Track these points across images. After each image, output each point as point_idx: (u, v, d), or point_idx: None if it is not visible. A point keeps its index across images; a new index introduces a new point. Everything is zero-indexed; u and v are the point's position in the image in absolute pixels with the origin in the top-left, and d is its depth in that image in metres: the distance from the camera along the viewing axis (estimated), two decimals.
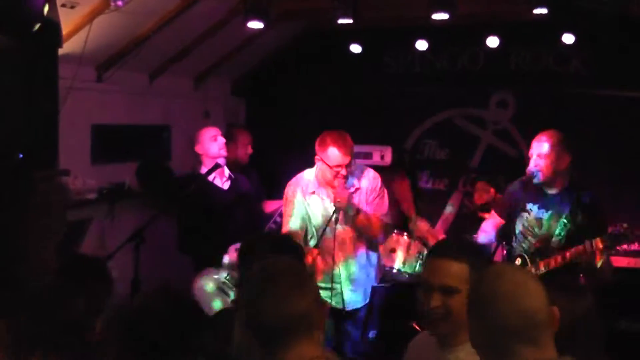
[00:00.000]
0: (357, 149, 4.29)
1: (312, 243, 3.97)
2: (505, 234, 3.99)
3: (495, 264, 2.66)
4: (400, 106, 6.57)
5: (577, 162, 3.87)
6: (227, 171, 4.92)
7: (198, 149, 4.90)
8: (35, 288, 2.42)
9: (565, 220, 3.76)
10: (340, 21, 4.84)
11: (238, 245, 4.16)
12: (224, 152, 4.90)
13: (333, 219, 3.85)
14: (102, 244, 4.72)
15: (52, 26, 3.36)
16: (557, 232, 3.78)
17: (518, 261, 3.81)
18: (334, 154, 3.81)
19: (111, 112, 4.99)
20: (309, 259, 3.64)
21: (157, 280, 4.36)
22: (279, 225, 4.45)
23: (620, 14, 5.10)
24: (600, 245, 3.48)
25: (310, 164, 4.09)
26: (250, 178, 5.21)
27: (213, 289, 4.18)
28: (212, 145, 4.87)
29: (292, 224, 4.02)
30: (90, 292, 2.60)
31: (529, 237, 3.87)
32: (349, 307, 4.05)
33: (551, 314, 1.65)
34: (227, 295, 4.10)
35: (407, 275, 4.82)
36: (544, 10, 4.60)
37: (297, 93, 6.73)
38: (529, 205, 3.89)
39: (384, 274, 4.63)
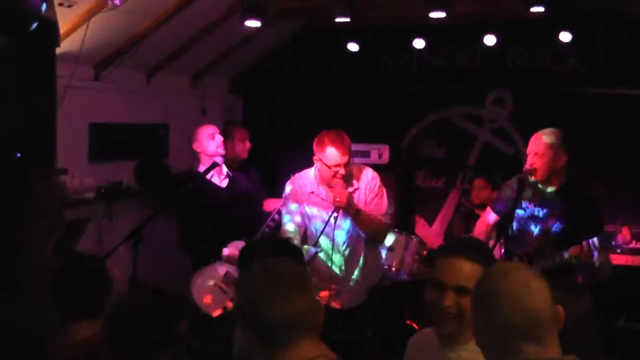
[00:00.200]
0: (355, 147, 4.29)
1: (311, 243, 3.97)
2: (501, 232, 4.00)
3: (499, 262, 2.65)
4: (397, 104, 6.58)
5: (574, 161, 3.88)
6: (225, 169, 4.92)
7: (196, 147, 4.89)
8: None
9: (561, 219, 3.77)
10: (338, 20, 4.83)
11: (237, 242, 4.21)
12: (221, 150, 4.89)
13: (332, 218, 3.86)
14: (100, 242, 4.71)
15: (49, 25, 3.34)
16: (553, 230, 3.79)
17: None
18: (332, 153, 3.80)
19: (109, 111, 4.98)
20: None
21: (156, 278, 4.40)
22: (277, 223, 4.44)
23: (616, 12, 5.11)
24: (598, 244, 3.49)
25: (308, 162, 4.08)
26: (250, 176, 5.20)
27: (211, 286, 4.18)
28: (210, 143, 4.86)
29: (291, 223, 4.02)
30: (89, 291, 2.62)
31: (526, 236, 3.87)
32: (347, 307, 4.04)
33: (555, 313, 1.66)
34: (225, 293, 4.11)
35: (406, 275, 4.83)
36: (540, 9, 4.60)
37: (294, 91, 6.72)
38: (525, 203, 3.90)
39: (383, 273, 4.64)
